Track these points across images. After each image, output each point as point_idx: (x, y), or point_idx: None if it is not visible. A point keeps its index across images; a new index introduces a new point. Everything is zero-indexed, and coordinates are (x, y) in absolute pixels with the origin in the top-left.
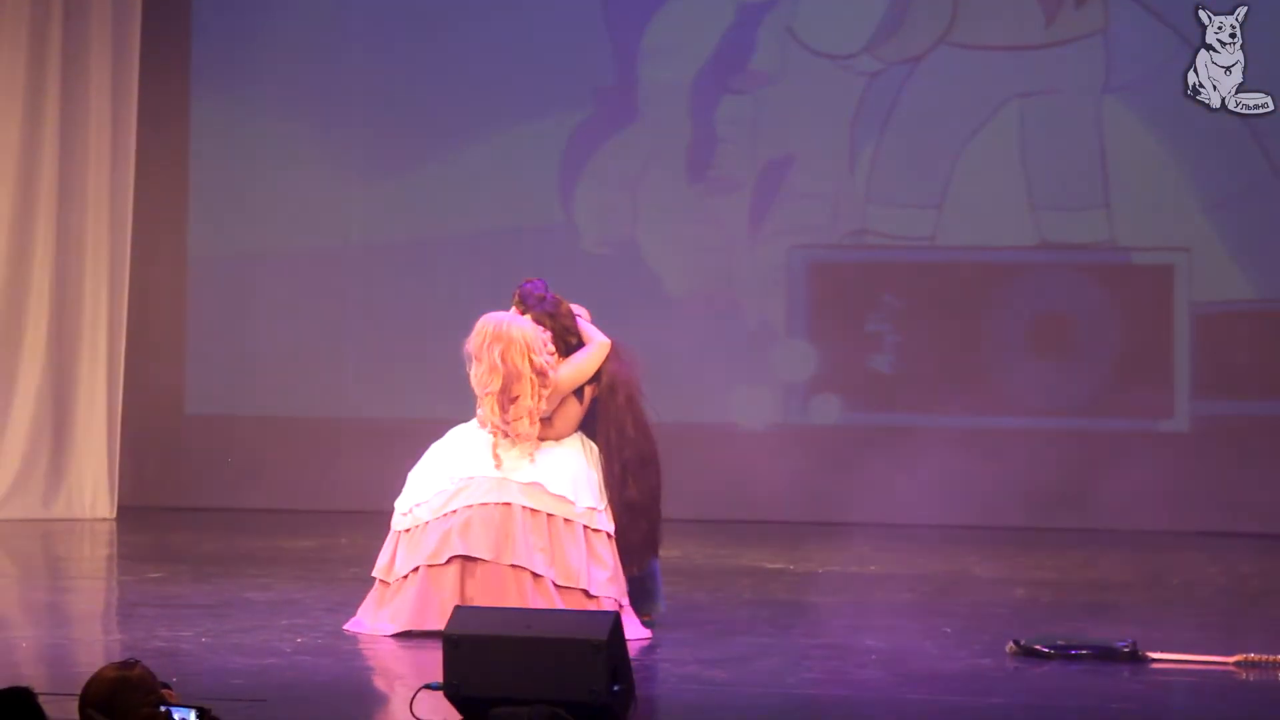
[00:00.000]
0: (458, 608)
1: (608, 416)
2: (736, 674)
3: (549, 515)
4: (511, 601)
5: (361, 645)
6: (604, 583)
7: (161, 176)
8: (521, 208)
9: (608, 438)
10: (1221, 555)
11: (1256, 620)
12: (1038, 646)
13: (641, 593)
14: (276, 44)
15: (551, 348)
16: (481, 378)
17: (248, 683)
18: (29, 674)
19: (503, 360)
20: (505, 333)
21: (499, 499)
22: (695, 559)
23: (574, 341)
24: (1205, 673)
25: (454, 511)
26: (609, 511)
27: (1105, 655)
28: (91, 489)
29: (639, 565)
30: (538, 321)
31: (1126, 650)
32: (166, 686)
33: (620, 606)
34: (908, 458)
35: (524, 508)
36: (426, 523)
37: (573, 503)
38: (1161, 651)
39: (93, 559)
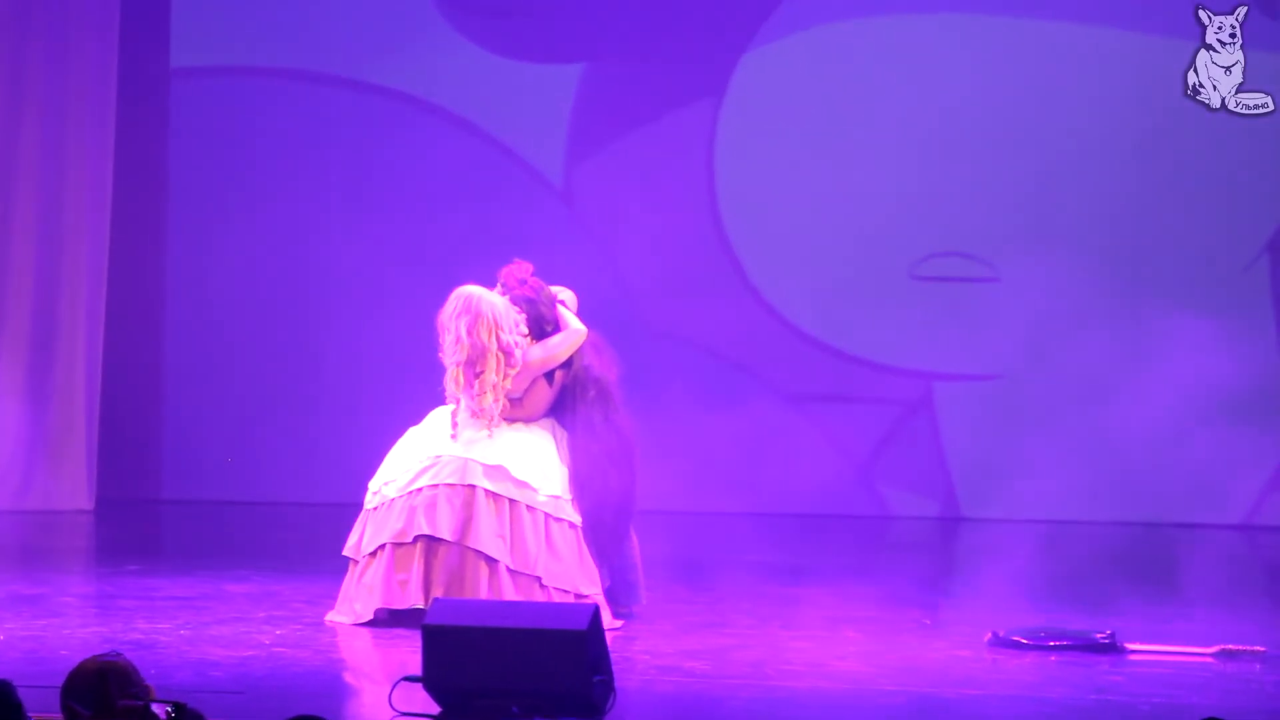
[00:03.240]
0: (437, 600)
1: (576, 411)
2: (716, 665)
3: (511, 501)
4: (469, 583)
5: (340, 637)
6: (558, 573)
7: (141, 165)
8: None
9: (576, 433)
10: (1198, 545)
11: (1235, 610)
12: (1016, 637)
13: (622, 585)
14: (259, 34)
15: (524, 329)
16: (448, 348)
17: (226, 675)
18: (7, 667)
19: (469, 334)
20: (474, 307)
21: (463, 480)
22: (677, 550)
23: (550, 330)
24: (1184, 664)
25: (419, 490)
26: (574, 503)
27: (1084, 646)
28: (69, 480)
29: (605, 559)
30: (514, 304)
31: (1105, 641)
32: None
33: (576, 598)
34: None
35: (486, 491)
36: (392, 500)
37: (535, 490)
38: (1140, 642)
39: (70, 551)
